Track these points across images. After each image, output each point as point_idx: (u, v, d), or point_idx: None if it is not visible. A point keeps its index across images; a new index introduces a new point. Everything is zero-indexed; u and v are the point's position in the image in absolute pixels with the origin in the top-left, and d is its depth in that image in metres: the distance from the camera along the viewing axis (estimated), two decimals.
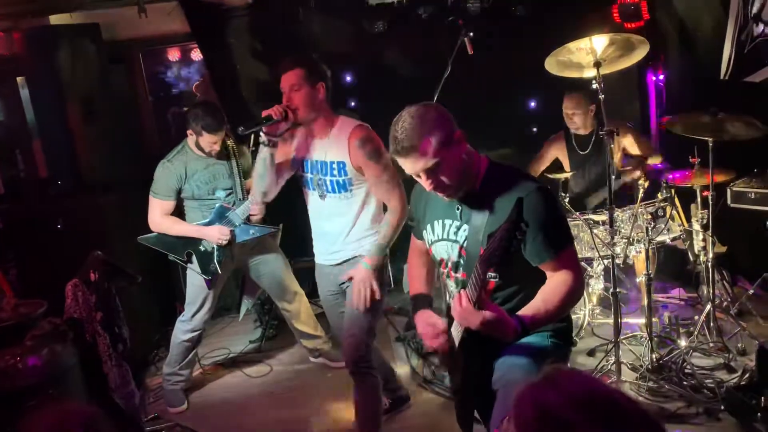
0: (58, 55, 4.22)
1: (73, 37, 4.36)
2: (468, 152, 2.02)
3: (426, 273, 2.38)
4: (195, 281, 3.71)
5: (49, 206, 4.16)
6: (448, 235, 2.12)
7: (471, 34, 3.89)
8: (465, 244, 2.05)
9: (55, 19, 4.78)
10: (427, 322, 2.16)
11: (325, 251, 3.00)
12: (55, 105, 4.24)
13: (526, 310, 1.90)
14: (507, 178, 2.00)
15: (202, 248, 3.62)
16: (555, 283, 1.96)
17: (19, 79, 4.21)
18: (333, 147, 2.79)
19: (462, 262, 2.08)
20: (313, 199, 2.94)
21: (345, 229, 2.89)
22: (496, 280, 1.84)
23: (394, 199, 2.79)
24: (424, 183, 1.98)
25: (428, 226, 2.21)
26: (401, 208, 2.76)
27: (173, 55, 5.64)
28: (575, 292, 1.97)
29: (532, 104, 5.40)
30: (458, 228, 2.08)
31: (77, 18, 4.79)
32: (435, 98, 4.12)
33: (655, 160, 3.97)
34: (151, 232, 3.64)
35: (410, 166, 1.95)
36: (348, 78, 5.42)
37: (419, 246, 2.37)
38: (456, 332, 2.06)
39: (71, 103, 4.26)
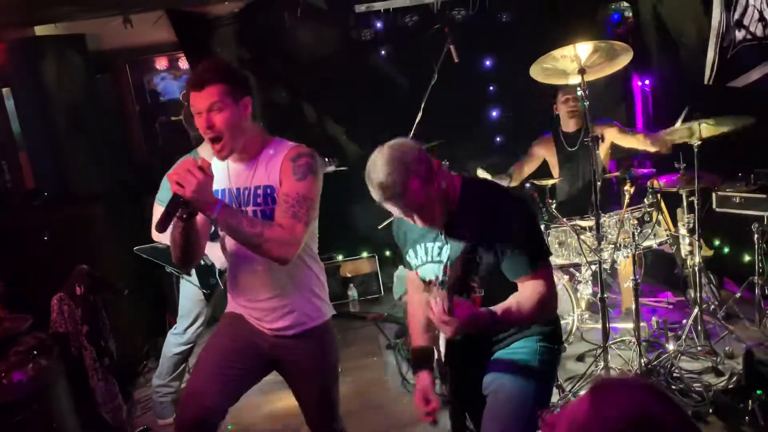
0: (44, 65, 4.21)
1: (59, 47, 4.35)
2: (444, 177, 2.03)
3: (426, 320, 2.30)
4: (190, 294, 3.65)
5: (35, 217, 4.13)
6: (432, 257, 2.14)
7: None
8: (449, 263, 2.07)
9: (40, 30, 4.77)
10: (423, 395, 2.17)
11: (257, 311, 2.33)
12: (40, 116, 4.22)
13: (498, 306, 1.91)
14: (482, 194, 2.04)
15: (202, 261, 3.57)
16: (529, 290, 1.98)
17: (4, 90, 4.20)
18: (261, 170, 2.21)
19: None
20: (230, 242, 2.27)
21: (282, 285, 2.27)
22: (482, 295, 1.85)
23: (288, 227, 2.10)
24: (417, 222, 2.01)
25: (410, 251, 2.22)
26: (291, 237, 2.10)
27: (160, 63, 5.64)
28: (548, 302, 1.99)
29: (517, 111, 5.42)
30: (440, 248, 2.10)
31: (62, 29, 4.78)
32: (422, 105, 4.14)
33: (645, 144, 3.96)
34: (148, 242, 3.55)
35: (398, 210, 1.99)
36: (334, 86, 5.42)
37: (415, 282, 2.32)
38: (444, 340, 2.07)
39: (57, 114, 4.25)
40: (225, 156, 2.17)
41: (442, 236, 2.09)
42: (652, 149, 3.94)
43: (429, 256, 2.15)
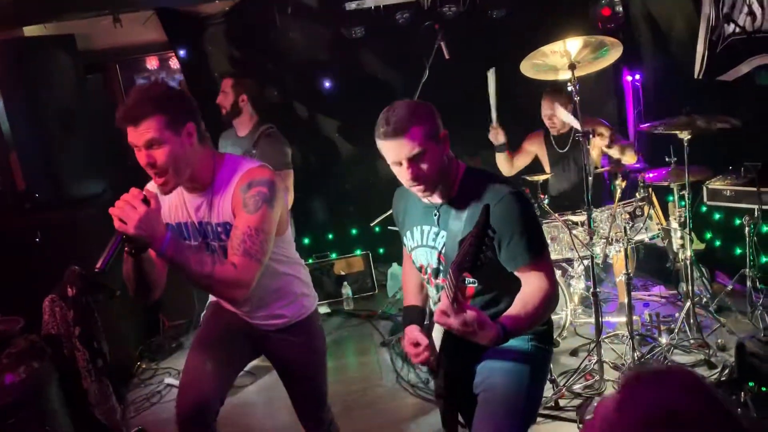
0: (34, 66, 4.17)
1: (48, 48, 4.31)
2: (449, 156, 2.04)
3: (419, 283, 2.36)
4: None
5: (26, 220, 4.11)
6: (427, 242, 2.13)
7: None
8: (443, 250, 2.06)
9: (29, 31, 4.74)
10: (411, 340, 2.15)
11: (242, 313, 2.35)
12: (31, 117, 4.19)
13: (506, 315, 1.90)
14: (482, 183, 2.01)
15: None
16: (532, 288, 1.96)
17: None
18: (217, 203, 2.10)
19: (441, 268, 2.09)
20: None
21: (263, 297, 2.25)
22: (475, 285, 1.83)
23: (241, 266, 1.98)
24: (405, 172, 1.96)
25: (408, 233, 2.21)
26: (243, 278, 1.99)
27: (151, 63, 5.61)
28: (552, 297, 1.97)
29: (509, 107, 5.41)
30: (436, 234, 2.09)
31: (52, 29, 4.75)
32: None
33: (630, 160, 4.00)
34: None
35: (395, 150, 1.93)
36: (326, 84, 5.41)
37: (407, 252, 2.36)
38: (438, 336, 2.07)
39: (48, 115, 4.22)
40: (169, 191, 2.03)
41: (436, 218, 2.07)
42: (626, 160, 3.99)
43: (424, 240, 2.13)
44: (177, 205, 2.18)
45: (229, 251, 2.02)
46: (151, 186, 2.08)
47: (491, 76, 4.06)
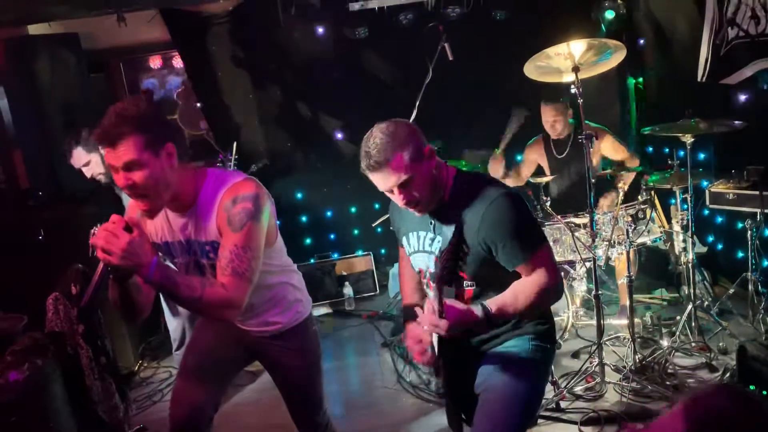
0: (38, 64, 4.20)
1: (53, 46, 4.34)
2: (437, 165, 2.04)
3: (417, 282, 2.37)
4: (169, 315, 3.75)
5: (29, 217, 4.12)
6: (424, 247, 2.14)
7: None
8: (439, 255, 2.07)
9: (33, 29, 4.76)
10: (413, 337, 2.16)
11: (242, 322, 2.31)
12: (35, 115, 4.21)
13: (494, 300, 1.92)
14: (474, 187, 2.03)
15: None
16: (528, 280, 1.98)
17: None
18: (201, 223, 2.02)
19: None
20: None
21: (257, 307, 2.21)
22: (473, 288, 1.84)
23: (231, 287, 1.93)
24: (398, 198, 2.00)
25: (404, 239, 2.23)
26: (234, 298, 1.93)
27: (154, 62, 5.62)
28: (549, 290, 1.98)
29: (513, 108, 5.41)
30: (432, 239, 2.11)
31: (56, 27, 4.77)
32: (417, 104, 4.15)
33: (632, 164, 4.01)
34: None
35: (383, 181, 1.96)
36: (329, 84, 5.41)
37: (406, 255, 2.38)
38: (435, 338, 2.08)
39: (51, 113, 4.24)
40: (153, 215, 1.98)
41: (432, 225, 2.09)
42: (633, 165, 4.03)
43: (421, 245, 2.15)
44: (161, 226, 2.11)
45: (217, 271, 1.96)
46: (133, 203, 2.02)
47: (517, 116, 4.11)
